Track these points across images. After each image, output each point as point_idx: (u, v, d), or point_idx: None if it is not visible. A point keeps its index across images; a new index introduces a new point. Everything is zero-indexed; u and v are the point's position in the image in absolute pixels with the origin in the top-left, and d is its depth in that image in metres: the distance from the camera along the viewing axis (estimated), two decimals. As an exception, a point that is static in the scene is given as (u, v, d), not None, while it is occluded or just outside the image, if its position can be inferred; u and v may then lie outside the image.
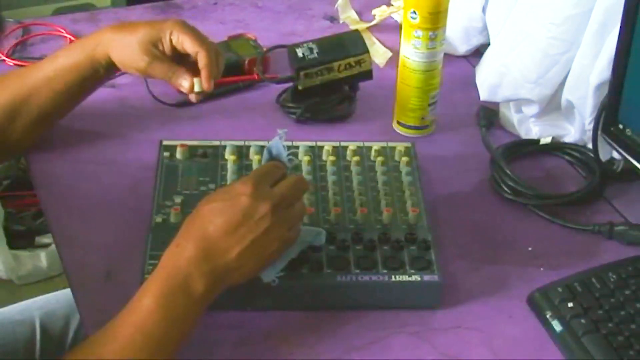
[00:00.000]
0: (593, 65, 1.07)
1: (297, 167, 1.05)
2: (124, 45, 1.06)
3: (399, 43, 1.15)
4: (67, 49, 1.10)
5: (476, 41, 1.32)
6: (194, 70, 1.06)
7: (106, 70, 1.09)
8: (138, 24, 1.09)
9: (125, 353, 0.80)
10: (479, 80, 1.20)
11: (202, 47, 1.05)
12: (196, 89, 1.06)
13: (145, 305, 0.81)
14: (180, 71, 1.06)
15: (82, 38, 1.12)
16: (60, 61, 1.08)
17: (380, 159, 1.06)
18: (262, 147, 1.07)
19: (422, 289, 0.92)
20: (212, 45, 1.07)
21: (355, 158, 1.06)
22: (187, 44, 1.05)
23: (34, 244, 2.10)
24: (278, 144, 0.92)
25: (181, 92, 1.09)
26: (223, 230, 0.83)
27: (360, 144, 1.09)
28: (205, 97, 1.10)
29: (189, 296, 0.82)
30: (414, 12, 1.10)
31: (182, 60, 1.07)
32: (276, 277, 0.89)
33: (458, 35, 1.32)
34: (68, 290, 1.07)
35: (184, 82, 1.06)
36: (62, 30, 1.40)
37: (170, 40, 1.06)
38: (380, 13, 1.44)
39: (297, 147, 1.08)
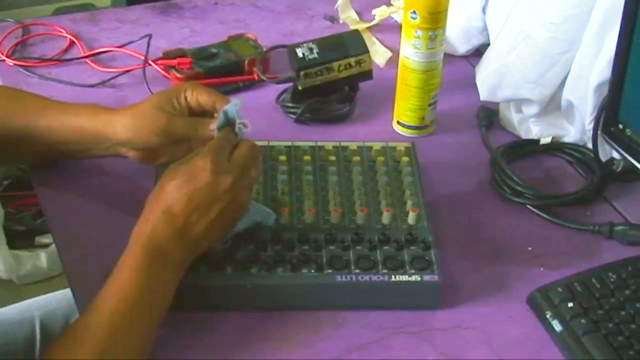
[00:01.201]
0: (593, 65, 1.07)
1: (298, 167, 1.05)
2: (136, 115, 1.01)
3: (399, 43, 1.15)
4: (78, 108, 1.05)
5: (476, 41, 1.32)
6: None
7: (108, 148, 1.04)
8: (146, 99, 1.04)
9: (111, 324, 0.81)
10: (479, 80, 1.20)
11: (219, 97, 1.03)
12: None
13: (125, 278, 0.84)
14: (203, 119, 1.02)
15: (96, 106, 1.06)
16: (68, 118, 1.04)
17: (380, 159, 1.06)
18: (262, 147, 1.07)
19: (422, 289, 0.92)
20: (225, 97, 1.04)
21: (355, 158, 1.06)
22: (203, 97, 1.02)
23: (34, 244, 2.10)
24: (233, 108, 0.96)
25: None
26: (191, 206, 0.87)
27: (360, 144, 1.09)
28: None
29: (167, 264, 0.86)
30: (414, 12, 1.10)
31: None
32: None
33: (458, 35, 1.32)
34: (68, 290, 1.07)
35: (213, 125, 1.00)
36: (62, 30, 1.40)
37: (185, 98, 1.02)
38: (380, 13, 1.44)
39: (298, 147, 1.08)
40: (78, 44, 1.37)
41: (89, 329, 0.82)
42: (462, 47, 1.33)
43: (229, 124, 0.96)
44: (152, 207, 0.89)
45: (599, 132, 1.05)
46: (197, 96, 1.02)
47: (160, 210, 0.88)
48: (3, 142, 1.05)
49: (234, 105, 0.96)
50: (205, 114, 1.03)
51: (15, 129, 1.04)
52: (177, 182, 0.88)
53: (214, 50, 1.32)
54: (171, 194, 0.88)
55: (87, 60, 1.33)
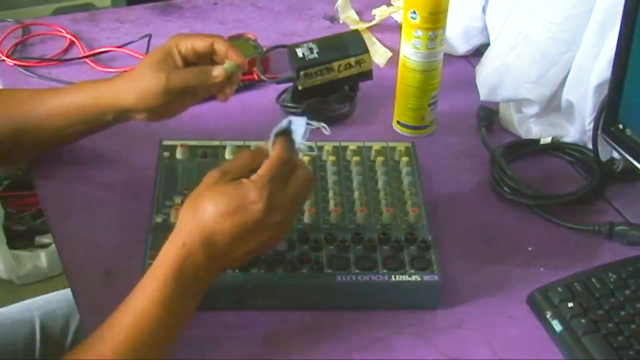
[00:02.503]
0: (593, 65, 1.07)
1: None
2: (134, 79, 1.01)
3: (399, 43, 1.15)
4: (73, 89, 1.06)
5: (476, 41, 1.32)
6: None
7: (114, 118, 1.05)
8: (140, 62, 1.05)
9: (123, 349, 0.80)
10: (479, 80, 1.20)
11: (215, 37, 1.02)
12: (230, 70, 1.01)
13: (144, 306, 0.81)
14: (203, 68, 1.01)
15: (92, 81, 1.07)
16: (64, 100, 1.04)
17: (380, 159, 1.06)
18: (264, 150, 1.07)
19: (422, 289, 0.92)
20: (219, 35, 1.04)
21: (355, 158, 1.06)
22: (198, 43, 1.01)
23: (34, 244, 2.10)
24: (302, 126, 0.88)
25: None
26: (233, 237, 0.83)
27: (360, 144, 1.09)
28: (238, 88, 1.06)
29: (195, 290, 0.83)
30: (414, 12, 1.10)
31: None
32: None
33: (458, 35, 1.32)
34: (68, 290, 1.07)
35: (216, 71, 1.00)
36: (62, 30, 1.40)
37: (179, 52, 1.02)
38: (380, 13, 1.44)
39: (297, 147, 1.08)
40: (78, 44, 1.37)
41: (107, 340, 0.80)
42: (462, 47, 1.33)
43: (287, 133, 0.88)
44: (192, 227, 0.83)
45: (599, 132, 1.05)
46: (192, 45, 1.01)
47: (200, 235, 0.82)
48: (4, 139, 1.05)
49: (304, 122, 0.88)
50: (202, 59, 1.02)
51: (14, 124, 1.04)
52: (225, 210, 0.82)
53: (214, 50, 1.31)
54: (216, 223, 0.82)
55: (87, 60, 1.33)
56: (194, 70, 1.01)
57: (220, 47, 1.02)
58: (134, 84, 1.01)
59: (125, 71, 1.03)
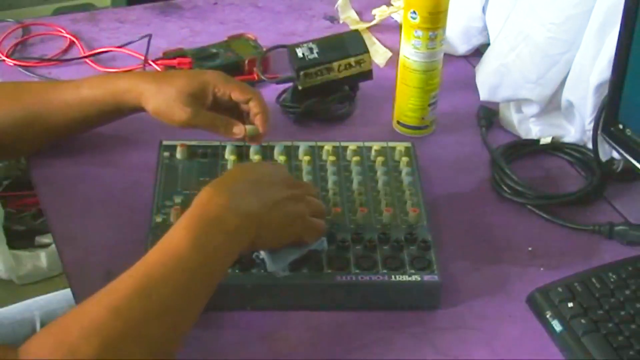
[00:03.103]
0: (593, 65, 1.07)
1: (298, 167, 1.05)
2: (162, 97, 1.04)
3: (399, 43, 1.15)
4: (92, 81, 1.08)
5: (476, 41, 1.32)
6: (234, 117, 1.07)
7: (131, 112, 1.08)
8: (173, 74, 1.09)
9: (155, 279, 0.77)
10: (479, 80, 1.20)
11: (254, 95, 1.06)
12: (250, 133, 1.05)
13: (178, 236, 0.80)
14: (228, 119, 1.05)
15: (111, 75, 1.10)
16: (82, 92, 1.06)
17: (380, 159, 1.06)
18: (262, 147, 1.08)
19: (422, 289, 0.92)
20: (258, 92, 1.08)
21: (355, 158, 1.06)
22: (235, 94, 1.05)
23: (34, 244, 2.10)
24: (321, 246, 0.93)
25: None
26: (253, 184, 0.87)
27: (360, 144, 1.09)
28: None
29: (223, 230, 0.81)
30: (414, 12, 1.10)
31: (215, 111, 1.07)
32: (280, 271, 0.90)
33: (458, 35, 1.32)
34: (68, 290, 1.07)
35: (237, 129, 1.05)
36: (62, 30, 1.40)
37: (214, 94, 1.05)
38: (380, 13, 1.44)
39: (297, 147, 1.08)
40: (78, 44, 1.37)
41: (126, 277, 0.77)
42: (462, 47, 1.33)
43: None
44: (215, 183, 0.87)
45: (599, 132, 1.05)
46: (230, 92, 1.05)
47: (222, 186, 0.86)
48: (16, 127, 1.06)
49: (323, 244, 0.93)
50: (233, 107, 1.06)
51: (27, 112, 1.06)
52: (245, 167, 0.93)
53: (214, 50, 1.32)
54: (232, 170, 0.92)
55: (87, 60, 1.33)
56: (220, 119, 1.05)
57: (254, 107, 1.06)
58: (159, 99, 1.04)
59: (154, 71, 1.08)
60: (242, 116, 1.08)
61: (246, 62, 1.29)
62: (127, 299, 0.75)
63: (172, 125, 1.05)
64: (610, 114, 1.00)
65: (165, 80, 1.06)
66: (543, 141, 1.17)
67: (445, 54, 1.17)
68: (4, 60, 1.33)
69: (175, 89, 1.04)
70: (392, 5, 1.45)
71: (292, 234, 0.89)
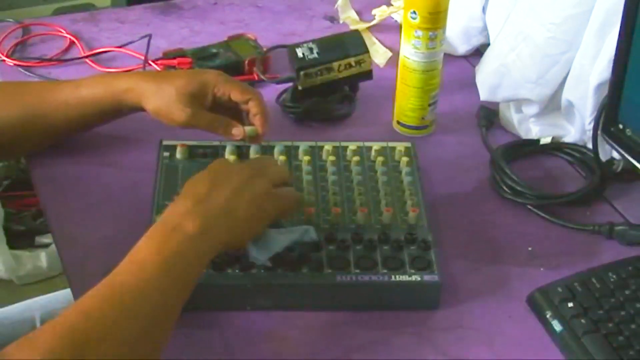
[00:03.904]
0: (593, 65, 1.07)
1: (298, 167, 1.05)
2: (161, 97, 1.04)
3: (399, 43, 1.15)
4: (92, 81, 1.09)
5: (476, 41, 1.32)
6: (233, 118, 1.08)
7: (131, 111, 1.09)
8: (173, 73, 1.09)
9: (122, 285, 0.79)
10: (479, 80, 1.20)
11: (254, 95, 1.06)
12: (249, 134, 1.06)
13: (142, 245, 0.82)
14: (227, 120, 1.06)
15: (111, 75, 1.11)
16: (82, 91, 1.07)
17: (380, 159, 1.06)
18: (262, 147, 1.08)
19: (422, 289, 0.92)
20: (258, 92, 1.08)
21: (355, 158, 1.06)
22: (235, 94, 1.05)
23: (34, 244, 2.10)
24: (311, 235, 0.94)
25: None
26: (208, 184, 0.87)
27: (360, 144, 1.09)
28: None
29: (183, 234, 0.82)
30: (414, 12, 1.10)
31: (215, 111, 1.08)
32: (261, 260, 0.89)
33: (458, 35, 1.32)
34: (68, 290, 1.07)
35: (236, 131, 1.05)
36: (62, 30, 1.40)
37: (214, 94, 1.05)
38: (380, 13, 1.44)
39: (297, 147, 1.08)
40: (78, 44, 1.37)
41: (99, 285, 0.79)
42: (462, 47, 1.34)
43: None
44: (177, 199, 0.88)
45: (599, 132, 1.05)
46: (229, 92, 1.05)
47: (180, 195, 0.87)
48: (15, 126, 1.06)
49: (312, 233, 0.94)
50: (233, 107, 1.06)
51: (26, 111, 1.06)
52: (198, 173, 0.90)
53: (214, 50, 1.32)
54: (193, 182, 0.89)
55: (87, 60, 1.33)
56: (219, 120, 1.06)
57: (254, 107, 1.06)
58: (159, 99, 1.05)
59: (154, 71, 1.09)
60: (242, 115, 1.08)
61: (246, 62, 1.29)
62: (97, 304, 0.77)
63: (172, 125, 1.06)
64: (610, 114, 1.00)
65: (165, 80, 1.06)
66: (543, 141, 1.17)
67: (445, 54, 1.17)
68: (4, 60, 1.33)
69: (175, 88, 1.04)
70: (392, 5, 1.45)
71: (264, 216, 0.90)
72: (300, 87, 1.20)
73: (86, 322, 0.75)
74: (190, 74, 1.08)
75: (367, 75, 1.22)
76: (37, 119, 1.06)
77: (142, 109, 1.07)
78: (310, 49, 1.20)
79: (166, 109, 1.04)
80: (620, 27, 0.95)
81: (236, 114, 1.08)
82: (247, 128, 1.06)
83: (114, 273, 0.80)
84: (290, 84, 1.22)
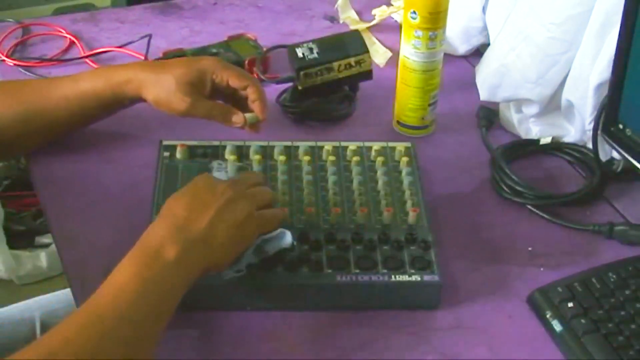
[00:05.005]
0: (593, 65, 1.07)
1: (298, 167, 1.05)
2: (161, 86, 1.05)
3: (399, 43, 1.15)
4: (91, 75, 1.09)
5: (476, 41, 1.32)
6: (234, 103, 1.08)
7: (131, 103, 1.09)
8: (171, 62, 1.09)
9: (102, 310, 0.78)
10: (479, 80, 1.20)
11: (251, 81, 1.06)
12: (251, 121, 1.06)
13: (122, 270, 0.81)
14: (227, 108, 1.06)
15: (109, 67, 1.11)
16: (81, 85, 1.07)
17: (380, 159, 1.06)
18: (262, 147, 1.08)
19: (422, 289, 0.92)
20: (256, 79, 1.08)
21: (355, 158, 1.06)
22: (233, 80, 1.05)
23: (34, 244, 2.10)
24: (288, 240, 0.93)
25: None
26: (189, 207, 0.86)
27: (360, 144, 1.09)
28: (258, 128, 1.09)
29: (163, 261, 0.81)
30: (414, 12, 1.10)
31: (215, 99, 1.08)
32: (234, 274, 0.89)
33: (458, 35, 1.32)
34: (68, 290, 1.07)
35: (236, 118, 1.05)
36: (62, 30, 1.40)
37: (213, 80, 1.05)
38: (380, 13, 1.44)
39: (297, 147, 1.08)
40: (78, 44, 1.37)
41: (79, 310, 0.79)
42: (462, 47, 1.34)
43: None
44: (155, 220, 0.87)
45: (599, 132, 1.05)
46: (228, 79, 1.05)
47: (161, 218, 0.86)
48: (16, 124, 1.06)
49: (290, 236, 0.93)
50: (232, 94, 1.06)
51: (27, 108, 1.06)
52: (177, 193, 0.88)
53: (214, 50, 1.32)
54: (172, 203, 0.87)
55: (87, 60, 1.33)
56: (219, 107, 1.06)
57: (252, 94, 1.06)
58: (159, 89, 1.05)
59: (151, 61, 1.11)
60: (241, 102, 1.08)
61: (246, 62, 1.29)
62: (77, 329, 0.77)
63: (172, 115, 1.06)
64: (610, 114, 1.00)
65: (164, 70, 1.06)
66: (543, 141, 1.17)
67: (445, 54, 1.17)
68: (4, 60, 1.33)
69: (174, 78, 1.04)
70: (392, 5, 1.45)
71: (244, 240, 0.89)
72: (300, 87, 1.20)
73: (66, 347, 0.75)
74: (188, 62, 1.08)
75: (367, 75, 1.22)
76: (38, 115, 1.06)
77: (142, 100, 1.07)
78: (310, 49, 1.20)
79: (166, 99, 1.05)
80: (620, 27, 0.95)
81: (235, 101, 1.08)
82: (247, 115, 1.06)
83: (95, 295, 0.80)
84: (290, 84, 1.22)
